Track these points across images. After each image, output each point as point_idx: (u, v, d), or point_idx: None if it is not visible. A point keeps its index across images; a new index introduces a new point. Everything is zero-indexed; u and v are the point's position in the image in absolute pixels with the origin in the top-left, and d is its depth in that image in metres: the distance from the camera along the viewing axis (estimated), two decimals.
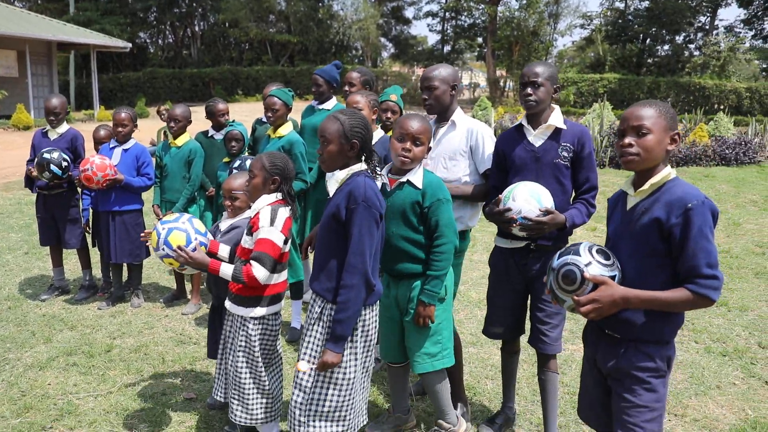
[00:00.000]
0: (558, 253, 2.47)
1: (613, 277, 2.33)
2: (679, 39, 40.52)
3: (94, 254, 6.12)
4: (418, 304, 3.18)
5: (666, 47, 40.23)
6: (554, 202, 3.19)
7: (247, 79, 35.01)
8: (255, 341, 3.19)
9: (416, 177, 3.15)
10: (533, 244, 3.35)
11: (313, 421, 2.89)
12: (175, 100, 29.47)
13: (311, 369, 2.89)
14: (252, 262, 3.05)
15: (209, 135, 5.92)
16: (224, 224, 3.69)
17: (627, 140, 2.36)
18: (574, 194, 3.41)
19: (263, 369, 3.23)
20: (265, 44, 38.01)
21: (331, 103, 5.62)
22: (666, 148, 2.36)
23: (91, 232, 6.05)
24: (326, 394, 2.88)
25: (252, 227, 3.13)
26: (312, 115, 5.51)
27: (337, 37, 37.61)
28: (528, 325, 3.54)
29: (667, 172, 2.37)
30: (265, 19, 38.09)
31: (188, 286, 6.03)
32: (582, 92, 33.94)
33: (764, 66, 35.26)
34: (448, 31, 43.40)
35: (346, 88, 5.17)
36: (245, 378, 3.22)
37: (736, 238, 8.43)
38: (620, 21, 41.00)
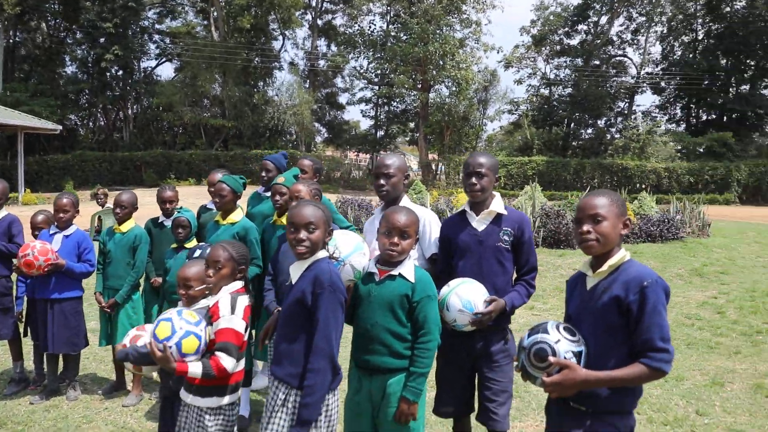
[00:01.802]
0: (527, 332, 2.56)
1: (579, 353, 2.46)
2: (601, 123, 42.83)
3: (26, 344, 5.69)
4: (401, 401, 3.05)
5: (589, 131, 42.44)
6: (495, 282, 3.43)
7: (180, 162, 34.74)
8: None
9: (408, 270, 3.10)
10: None
11: None
12: (105, 184, 28.77)
13: None
14: (218, 353, 3.00)
15: (159, 221, 5.74)
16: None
17: (585, 227, 2.54)
18: (515, 275, 3.57)
19: None
20: (199, 128, 38.00)
21: None
22: (620, 233, 2.56)
23: (24, 320, 5.65)
24: None
25: (212, 317, 3.07)
26: (260, 203, 5.42)
27: (271, 122, 37.97)
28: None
29: (622, 254, 2.55)
30: (200, 103, 38.26)
31: (128, 376, 5.67)
32: (512, 174, 35.13)
33: (679, 147, 37.40)
34: (381, 116, 44.56)
35: (300, 174, 5.18)
36: None
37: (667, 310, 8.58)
38: (546, 107, 43.11)
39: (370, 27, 42.73)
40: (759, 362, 6.46)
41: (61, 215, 5.26)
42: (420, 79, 36.76)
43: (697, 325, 7.91)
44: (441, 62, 34.65)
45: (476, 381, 3.59)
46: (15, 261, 5.21)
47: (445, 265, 3.57)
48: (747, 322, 8.04)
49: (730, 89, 42.38)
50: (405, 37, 36.07)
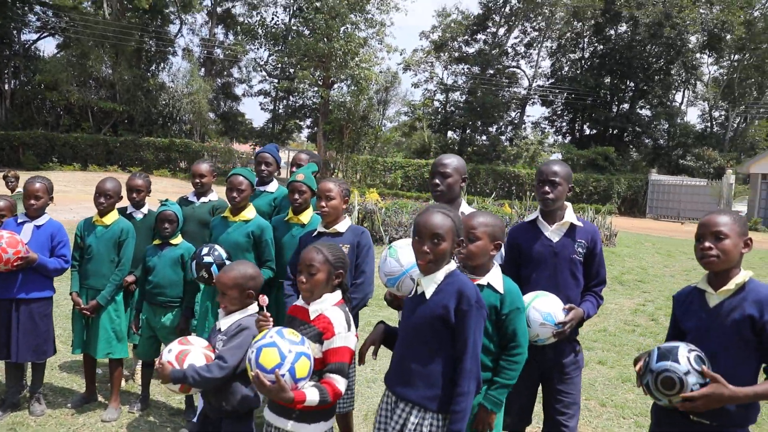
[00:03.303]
0: (657, 353, 2.58)
1: (705, 385, 2.49)
2: (494, 130, 44.29)
3: None
4: (480, 409, 2.92)
5: (484, 137, 43.67)
6: (569, 294, 3.37)
7: (64, 146, 32.56)
8: None
9: (496, 280, 2.97)
10: None
11: None
12: None
13: None
14: (333, 375, 2.76)
15: (127, 212, 5.20)
16: (224, 323, 3.21)
17: (707, 244, 2.64)
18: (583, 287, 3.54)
19: None
20: (86, 110, 35.73)
21: (274, 186, 5.33)
22: (741, 251, 2.66)
23: None
24: None
25: (323, 334, 2.79)
26: (256, 198, 5.09)
27: (166, 109, 36.43)
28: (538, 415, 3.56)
29: (746, 273, 2.65)
30: (88, 84, 36.03)
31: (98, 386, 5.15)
32: (409, 176, 35.58)
33: (565, 159, 39.35)
34: (280, 110, 43.84)
35: (293, 169, 4.97)
36: None
37: (604, 317, 8.94)
38: (443, 111, 44.01)
39: (272, 19, 41.93)
40: None
41: (33, 202, 4.65)
42: (322, 75, 36.48)
43: (638, 332, 8.24)
44: (344, 60, 34.53)
45: (542, 393, 3.55)
46: None
47: (512, 275, 3.37)
48: None
49: (613, 107, 45.15)
50: (308, 32, 35.67)
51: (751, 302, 2.57)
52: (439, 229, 2.65)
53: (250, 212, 4.61)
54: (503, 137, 44.44)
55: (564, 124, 48.60)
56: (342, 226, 4.08)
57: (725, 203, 32.22)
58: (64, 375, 5.57)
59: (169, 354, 3.05)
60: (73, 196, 22.12)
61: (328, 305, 2.87)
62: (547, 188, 3.40)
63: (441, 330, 2.64)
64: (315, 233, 4.11)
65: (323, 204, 3.99)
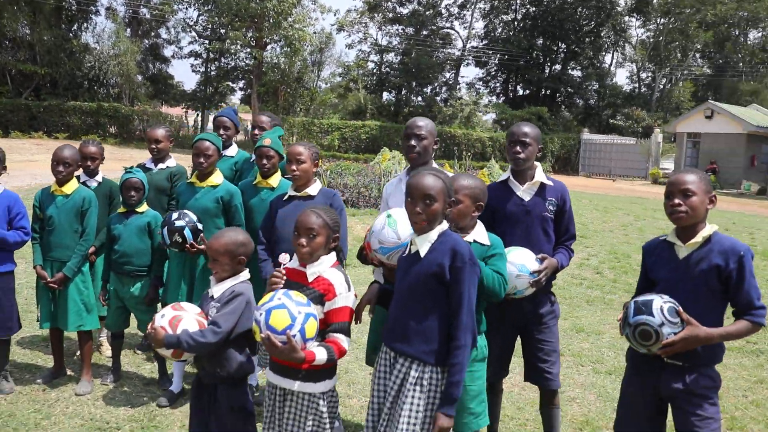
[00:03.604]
0: (634, 307, 2.79)
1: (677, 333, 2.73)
2: (428, 91, 44.42)
3: None
4: None
5: (419, 99, 43.71)
6: (542, 250, 3.49)
7: None
8: (326, 418, 2.88)
9: (481, 235, 3.12)
10: None
11: None
12: None
13: None
14: (337, 335, 2.83)
15: (81, 181, 4.92)
16: (216, 290, 3.17)
17: (676, 200, 2.82)
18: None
19: None
20: (4, 73, 33.81)
21: (233, 150, 5.23)
22: (706, 207, 2.85)
23: None
24: None
25: (325, 295, 2.83)
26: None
27: (91, 72, 34.85)
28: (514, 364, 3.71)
29: (712, 227, 2.85)
30: (4, 45, 34.09)
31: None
32: (346, 138, 35.32)
33: (499, 119, 39.91)
34: (212, 72, 42.59)
35: (256, 131, 4.89)
36: None
37: None
38: (378, 72, 43.74)
39: None
40: None
41: None
42: (254, 36, 35.59)
43: (585, 284, 8.54)
44: (277, 20, 33.75)
45: (521, 345, 3.70)
46: None
47: None
48: (624, 280, 8.84)
49: (545, 68, 45.93)
50: None
51: (717, 253, 2.79)
52: (430, 190, 2.70)
53: (217, 177, 4.51)
54: (438, 98, 44.61)
55: (498, 84, 49.22)
56: (313, 189, 4.09)
57: (653, 161, 33.45)
58: (26, 351, 5.32)
59: (162, 319, 3.01)
60: None
61: (326, 267, 2.90)
62: (518, 148, 3.50)
63: (436, 288, 2.71)
64: (286, 197, 4.10)
65: (294, 168, 3.98)
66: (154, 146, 5.15)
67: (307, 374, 2.82)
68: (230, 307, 3.07)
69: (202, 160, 4.39)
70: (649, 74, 48.20)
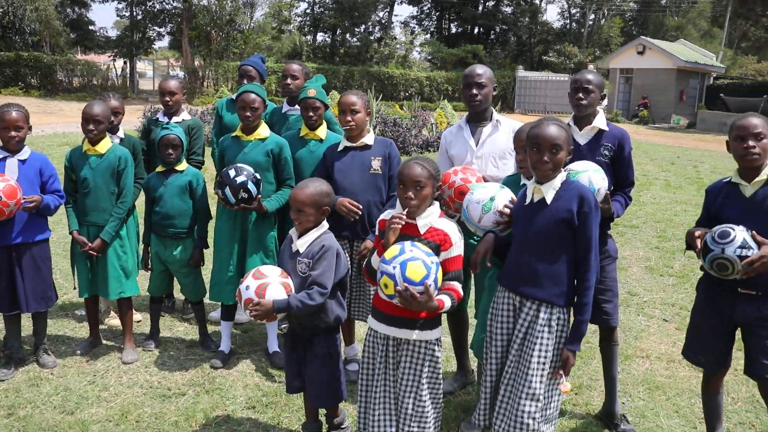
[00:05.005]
0: (711, 240, 2.99)
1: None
2: (361, 30, 43.75)
3: None
4: None
5: (354, 39, 43.08)
6: None
7: None
8: (440, 364, 3.03)
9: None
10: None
11: (544, 425, 2.96)
12: None
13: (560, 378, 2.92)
14: (454, 282, 2.94)
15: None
16: (301, 243, 3.17)
17: (751, 143, 3.05)
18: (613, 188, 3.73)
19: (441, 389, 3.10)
20: None
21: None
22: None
23: None
24: (553, 398, 2.98)
25: (441, 245, 2.92)
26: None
27: (5, 18, 32.84)
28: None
29: None
30: None
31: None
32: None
33: (435, 57, 39.85)
34: (138, 17, 40.80)
35: (288, 81, 4.75)
36: (428, 408, 3.00)
37: None
38: (311, 12, 42.80)
39: None
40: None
41: (14, 134, 4.07)
42: None
43: None
44: None
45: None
46: None
47: None
48: None
49: (479, 4, 45.79)
50: None
51: None
52: (558, 140, 2.86)
53: (264, 130, 4.38)
54: (372, 38, 44.09)
55: (432, 23, 48.88)
56: (369, 138, 4.06)
57: None
58: (50, 322, 4.98)
59: (248, 291, 3.02)
60: None
61: (436, 218, 2.98)
62: (581, 95, 3.61)
63: (565, 232, 2.88)
64: (340, 147, 4.07)
65: (349, 118, 3.94)
66: (168, 99, 4.95)
67: (425, 322, 2.93)
68: (325, 263, 3.09)
69: (248, 113, 4.23)
70: (579, 10, 48.80)
